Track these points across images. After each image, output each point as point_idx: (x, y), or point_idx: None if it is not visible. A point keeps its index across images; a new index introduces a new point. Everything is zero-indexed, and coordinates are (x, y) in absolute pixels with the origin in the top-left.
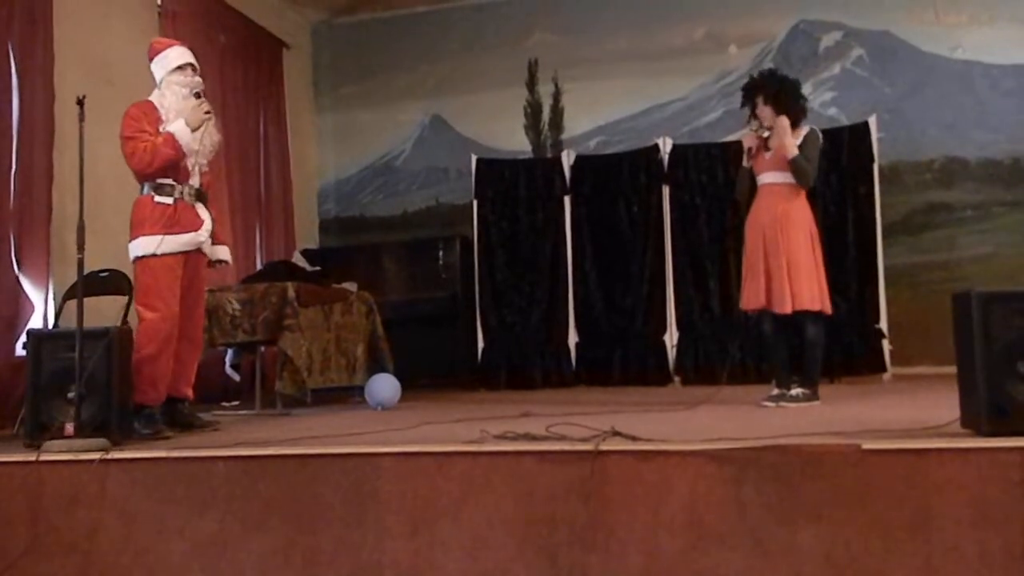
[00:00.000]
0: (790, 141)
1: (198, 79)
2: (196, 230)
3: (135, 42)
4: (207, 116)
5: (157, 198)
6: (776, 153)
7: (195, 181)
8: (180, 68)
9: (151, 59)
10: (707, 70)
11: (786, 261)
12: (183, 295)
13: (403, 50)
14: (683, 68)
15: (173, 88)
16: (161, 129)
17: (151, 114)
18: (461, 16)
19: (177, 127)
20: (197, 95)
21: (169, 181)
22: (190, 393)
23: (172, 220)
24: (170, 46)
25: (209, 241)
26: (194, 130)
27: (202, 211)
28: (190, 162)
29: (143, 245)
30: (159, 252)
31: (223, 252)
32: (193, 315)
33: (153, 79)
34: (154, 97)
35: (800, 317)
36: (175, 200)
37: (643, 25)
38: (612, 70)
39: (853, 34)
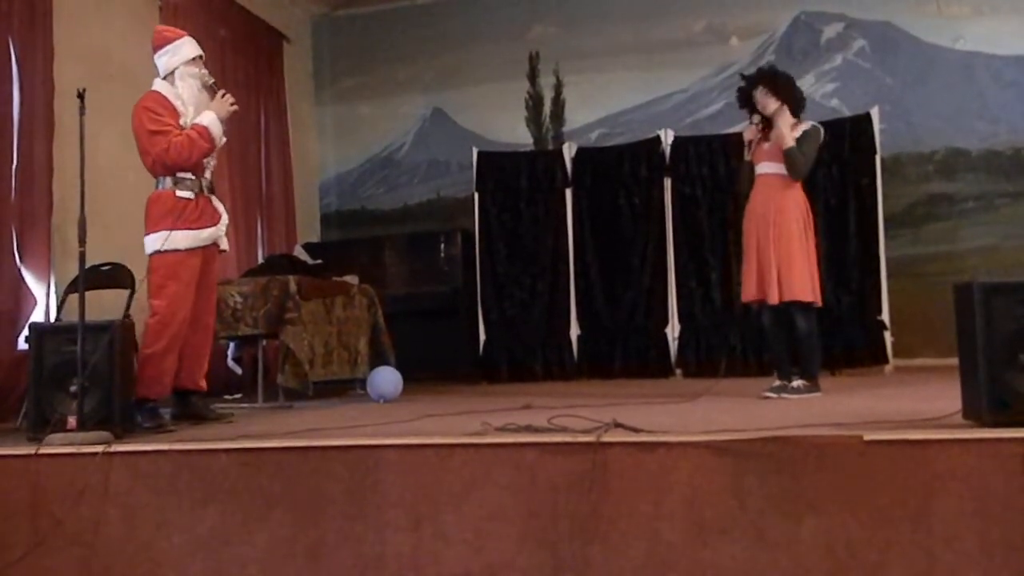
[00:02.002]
0: (787, 131)
1: (206, 71)
2: (216, 224)
3: (135, 35)
4: (233, 108)
5: (179, 192)
6: (773, 144)
7: (208, 174)
8: (193, 60)
9: (159, 47)
10: (708, 62)
11: (776, 252)
12: (197, 288)
13: (404, 43)
14: (684, 60)
15: (187, 80)
16: (182, 122)
17: (167, 105)
18: (462, 8)
19: (209, 120)
20: (213, 87)
21: (190, 175)
22: (204, 384)
23: (195, 215)
24: (180, 36)
25: (224, 235)
26: (224, 120)
27: (218, 204)
28: None
29: (167, 240)
30: (183, 248)
31: (223, 241)
32: (207, 306)
33: (155, 68)
34: (162, 87)
35: (790, 310)
36: (196, 194)
37: (644, 17)
38: (613, 62)
39: (855, 25)
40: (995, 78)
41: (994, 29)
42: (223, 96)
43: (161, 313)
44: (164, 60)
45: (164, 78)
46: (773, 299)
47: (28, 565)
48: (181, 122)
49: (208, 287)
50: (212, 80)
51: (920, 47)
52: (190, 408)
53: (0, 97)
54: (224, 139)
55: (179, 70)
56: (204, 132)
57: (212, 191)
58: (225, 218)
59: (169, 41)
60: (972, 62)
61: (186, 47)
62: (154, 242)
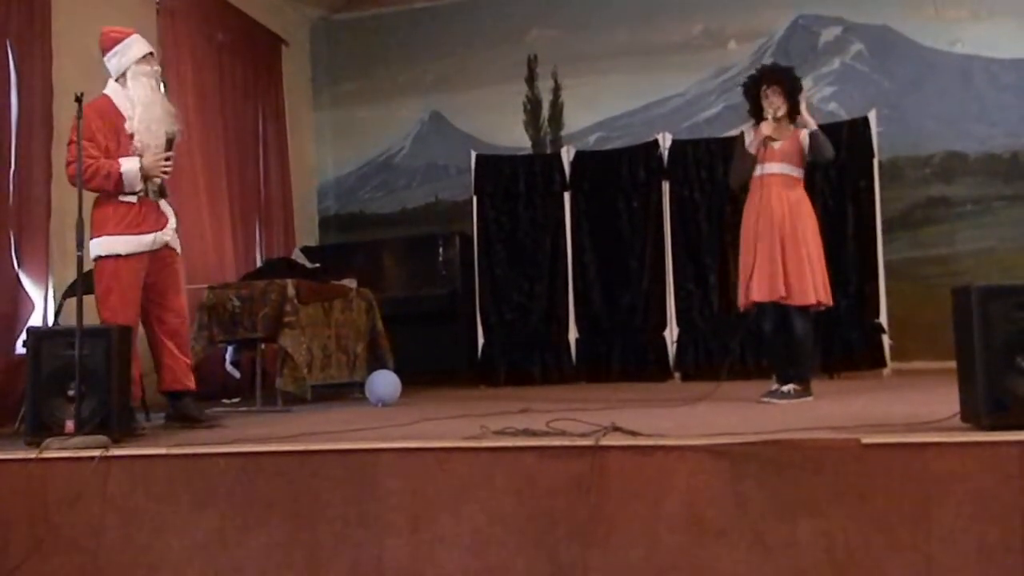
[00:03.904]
0: (809, 116)
1: (158, 68)
2: (160, 229)
3: None
4: (164, 175)
5: (120, 197)
6: (784, 145)
7: (158, 179)
8: (144, 58)
9: (107, 49)
10: (706, 65)
11: (806, 252)
12: (154, 292)
13: (402, 46)
14: (682, 63)
15: (140, 80)
16: (126, 125)
17: (106, 114)
18: (460, 12)
19: (130, 170)
20: (171, 143)
21: None
22: (192, 384)
23: (136, 220)
24: (127, 35)
25: (175, 236)
26: (147, 178)
27: (165, 208)
28: None
29: (105, 245)
30: (124, 253)
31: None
32: (172, 309)
33: (105, 70)
34: (112, 91)
35: (789, 311)
36: (139, 199)
37: (642, 21)
38: (611, 66)
39: (852, 29)
40: (993, 81)
41: (992, 32)
42: (165, 160)
43: (108, 320)
44: (114, 62)
45: (116, 80)
46: (808, 300)
47: (26, 570)
48: (125, 125)
49: (171, 289)
50: (173, 133)
51: (918, 50)
52: (181, 410)
53: None
54: (141, 187)
55: (130, 70)
56: (114, 175)
57: (162, 195)
58: (172, 222)
59: (117, 42)
60: (970, 66)
61: (135, 46)
62: (95, 247)
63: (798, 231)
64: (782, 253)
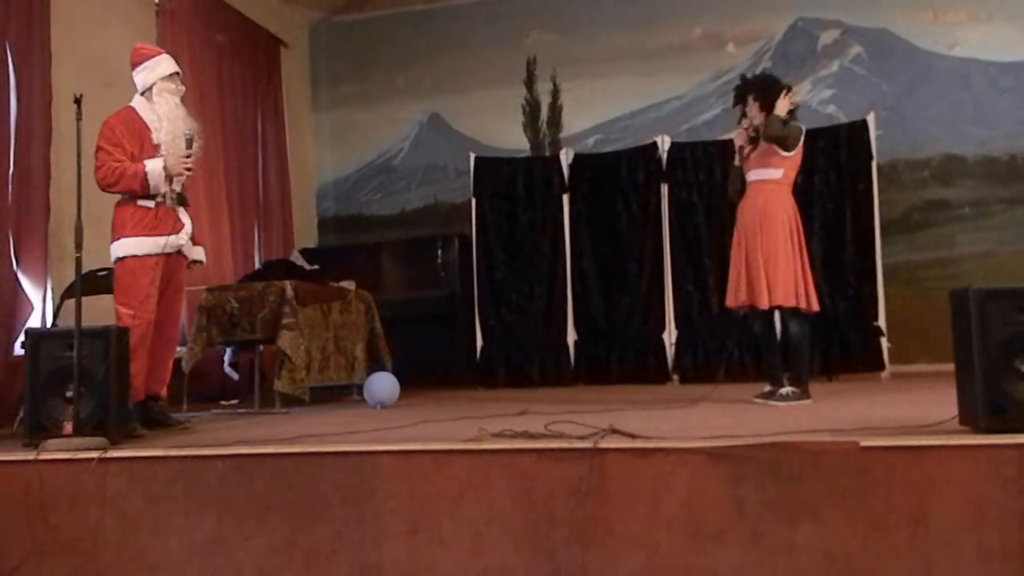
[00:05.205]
0: (779, 114)
1: (183, 88)
2: (176, 233)
3: (133, 41)
4: (187, 172)
5: (139, 201)
6: (759, 152)
7: (177, 186)
8: (170, 76)
9: (137, 64)
10: (705, 68)
11: (763, 256)
12: (160, 295)
13: (401, 48)
14: (681, 66)
15: (165, 96)
16: (153, 136)
17: (131, 123)
18: (459, 14)
19: (154, 169)
20: (189, 141)
21: None
22: (163, 392)
23: (153, 223)
24: (158, 53)
25: (189, 244)
26: (171, 178)
27: (183, 215)
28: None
29: (124, 247)
30: (140, 254)
31: (199, 252)
32: (171, 315)
33: (133, 84)
34: (137, 104)
35: (784, 315)
36: (157, 204)
37: (641, 23)
38: (610, 68)
39: (851, 32)
40: (991, 84)
41: (990, 35)
42: (186, 156)
43: (126, 318)
44: (142, 76)
45: (142, 94)
46: (763, 304)
47: (25, 571)
48: (152, 136)
49: (173, 296)
50: (192, 134)
51: (916, 53)
52: (149, 414)
53: None
54: (166, 189)
55: (156, 86)
56: (140, 175)
57: (181, 203)
58: (188, 228)
59: (147, 58)
60: (968, 68)
61: (163, 64)
62: (115, 249)
63: (759, 236)
64: (745, 259)
